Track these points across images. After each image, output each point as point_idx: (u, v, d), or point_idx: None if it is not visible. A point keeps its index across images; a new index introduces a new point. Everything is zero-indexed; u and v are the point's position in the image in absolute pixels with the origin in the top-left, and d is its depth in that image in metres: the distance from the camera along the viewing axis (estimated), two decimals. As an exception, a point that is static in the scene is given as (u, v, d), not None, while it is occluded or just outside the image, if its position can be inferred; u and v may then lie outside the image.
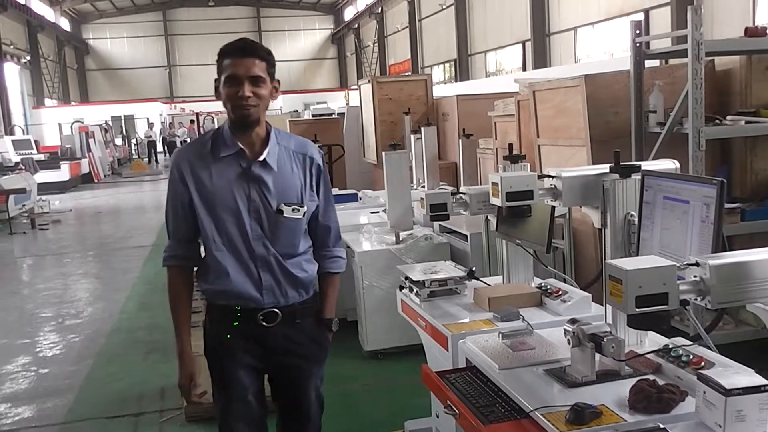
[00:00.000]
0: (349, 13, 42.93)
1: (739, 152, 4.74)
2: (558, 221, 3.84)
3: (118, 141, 30.26)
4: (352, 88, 32.33)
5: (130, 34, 44.54)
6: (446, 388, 2.35)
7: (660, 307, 1.71)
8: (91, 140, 22.78)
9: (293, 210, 2.40)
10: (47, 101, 34.97)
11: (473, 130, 6.53)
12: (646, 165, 2.49)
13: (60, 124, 26.35)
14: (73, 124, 24.38)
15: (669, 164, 2.58)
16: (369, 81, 8.71)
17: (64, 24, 40.25)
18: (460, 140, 6.42)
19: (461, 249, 5.04)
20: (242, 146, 2.39)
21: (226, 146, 2.40)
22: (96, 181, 22.48)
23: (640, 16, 15.64)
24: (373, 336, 5.04)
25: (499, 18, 24.36)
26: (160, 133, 32.03)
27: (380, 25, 37.16)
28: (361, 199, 6.72)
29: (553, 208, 2.87)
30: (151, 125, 30.81)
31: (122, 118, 33.82)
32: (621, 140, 4.50)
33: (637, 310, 1.70)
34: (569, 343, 2.16)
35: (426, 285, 3.22)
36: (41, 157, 20.39)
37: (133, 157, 30.83)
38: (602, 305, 2.59)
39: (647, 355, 2.21)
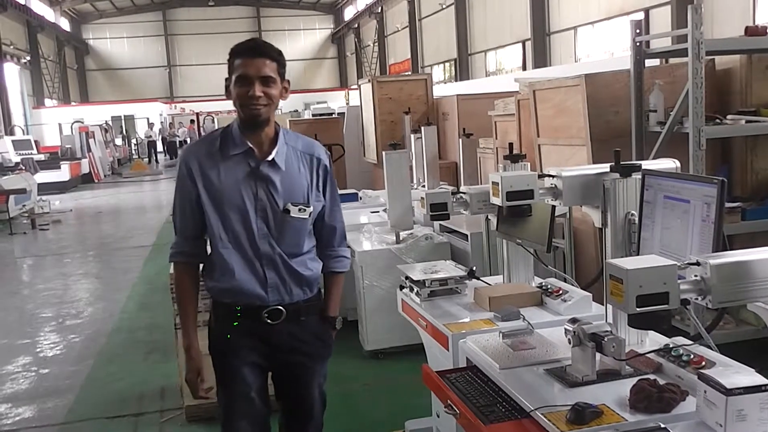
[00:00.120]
0: (349, 13, 42.95)
1: (739, 152, 4.74)
2: (558, 221, 3.85)
3: (118, 141, 30.25)
4: (352, 87, 32.35)
5: (130, 34, 44.56)
6: (447, 388, 2.35)
7: (660, 307, 1.71)
8: (91, 140, 22.78)
9: (300, 210, 2.43)
10: (47, 101, 34.99)
11: (473, 130, 6.53)
12: (647, 164, 2.49)
13: (60, 124, 26.38)
14: (73, 124, 24.37)
15: (669, 163, 2.58)
16: (369, 80, 8.71)
17: (64, 24, 40.27)
18: (461, 140, 6.42)
19: (461, 248, 5.04)
20: (251, 145, 2.41)
21: (235, 145, 2.42)
22: (96, 181, 22.48)
23: (641, 16, 15.65)
24: (373, 336, 5.04)
25: (499, 17, 24.36)
26: (160, 133, 32.03)
27: (380, 25, 37.17)
28: (361, 198, 6.72)
29: (554, 207, 2.87)
30: (151, 125, 30.81)
31: (122, 118, 33.83)
32: (621, 140, 4.50)
33: (637, 309, 1.70)
34: (570, 343, 2.16)
35: (426, 284, 3.21)
36: (41, 157, 20.39)
37: (133, 157, 30.83)
38: (603, 305, 2.59)
39: (648, 355, 2.21)
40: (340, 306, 2.72)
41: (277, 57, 2.39)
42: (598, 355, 2.13)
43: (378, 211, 6.00)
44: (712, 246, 2.05)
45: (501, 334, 2.55)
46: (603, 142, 4.61)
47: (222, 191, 2.40)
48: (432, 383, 2.49)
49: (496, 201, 2.70)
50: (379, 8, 35.94)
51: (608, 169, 2.43)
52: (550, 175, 2.62)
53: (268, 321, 2.45)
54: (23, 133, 24.37)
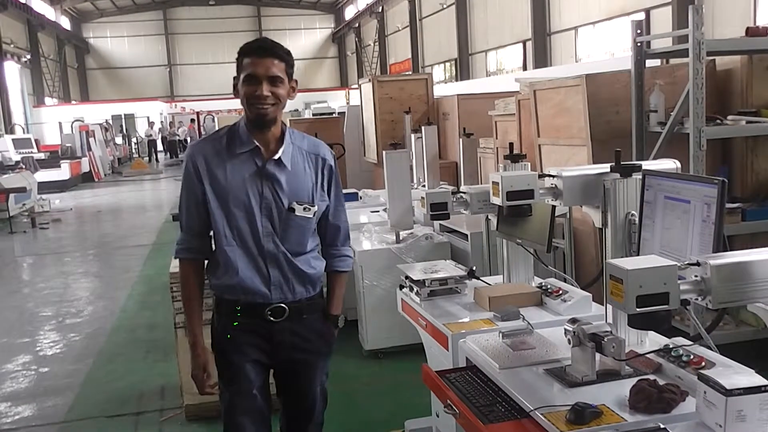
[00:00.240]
0: (349, 12, 42.92)
1: (739, 152, 4.74)
2: (558, 221, 3.85)
3: (119, 140, 30.23)
4: (352, 87, 32.32)
5: (131, 33, 44.53)
6: (446, 388, 2.35)
7: (661, 307, 1.71)
8: (91, 139, 22.79)
9: (305, 209, 2.45)
10: (47, 100, 34.96)
11: (474, 130, 6.53)
12: (647, 164, 2.49)
13: (60, 123, 26.40)
14: (73, 123, 24.37)
15: (670, 164, 2.59)
16: (369, 80, 8.70)
17: (65, 23, 40.25)
18: (461, 139, 6.42)
19: (462, 248, 5.04)
20: (258, 144, 2.42)
21: (242, 143, 2.44)
22: (96, 180, 22.48)
23: (641, 16, 15.65)
24: (373, 335, 5.04)
25: (500, 17, 24.36)
26: (160, 132, 32.02)
27: (381, 25, 37.16)
28: (361, 198, 6.72)
29: (554, 207, 2.87)
30: (151, 124, 30.81)
31: (122, 117, 33.79)
32: (622, 140, 4.50)
33: (637, 309, 1.70)
34: (569, 343, 2.16)
35: (426, 284, 3.22)
36: (41, 156, 20.39)
37: (134, 156, 30.81)
38: (603, 305, 2.59)
39: (648, 355, 2.21)
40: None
41: (286, 57, 2.40)
42: (597, 356, 2.13)
43: (378, 211, 6.00)
44: (712, 246, 2.05)
45: (501, 334, 2.55)
46: (603, 142, 4.61)
47: (228, 189, 2.41)
48: (432, 383, 2.49)
49: (497, 201, 2.70)
50: (380, 8, 35.93)
51: (608, 170, 2.43)
52: (550, 175, 2.62)
53: (271, 319, 2.46)
54: (23, 132, 24.33)
